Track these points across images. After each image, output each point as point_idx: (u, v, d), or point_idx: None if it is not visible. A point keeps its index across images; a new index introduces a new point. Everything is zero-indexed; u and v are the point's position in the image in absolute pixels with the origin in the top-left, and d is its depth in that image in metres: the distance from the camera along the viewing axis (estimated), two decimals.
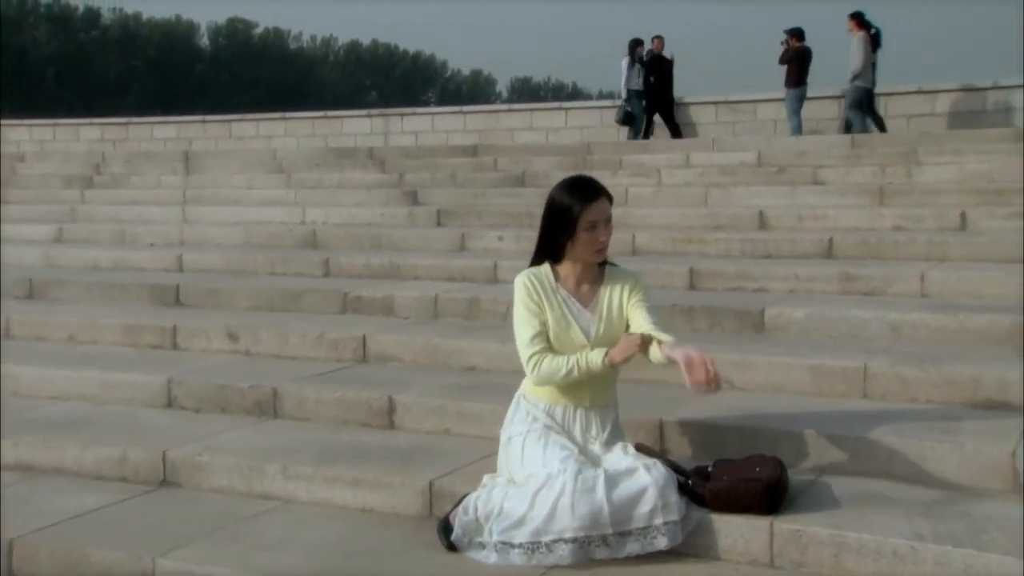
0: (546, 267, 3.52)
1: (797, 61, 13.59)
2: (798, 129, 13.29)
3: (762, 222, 7.27)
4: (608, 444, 3.49)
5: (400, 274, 6.72)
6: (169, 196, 10.01)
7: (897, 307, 5.06)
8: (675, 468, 3.40)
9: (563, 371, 3.39)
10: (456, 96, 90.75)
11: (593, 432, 3.51)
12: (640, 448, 3.51)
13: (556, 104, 18.56)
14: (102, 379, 5.08)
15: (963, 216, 6.72)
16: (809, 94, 13.82)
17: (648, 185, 8.84)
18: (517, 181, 9.45)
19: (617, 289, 3.52)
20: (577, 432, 3.49)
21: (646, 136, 14.55)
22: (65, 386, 5.11)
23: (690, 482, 3.37)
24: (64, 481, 4.17)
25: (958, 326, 4.73)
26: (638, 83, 14.60)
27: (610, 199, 3.47)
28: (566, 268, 3.51)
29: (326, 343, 5.37)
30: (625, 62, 14.68)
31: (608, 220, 3.44)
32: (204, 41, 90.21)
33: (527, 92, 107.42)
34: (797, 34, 13.80)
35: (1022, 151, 7.88)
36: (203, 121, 19.65)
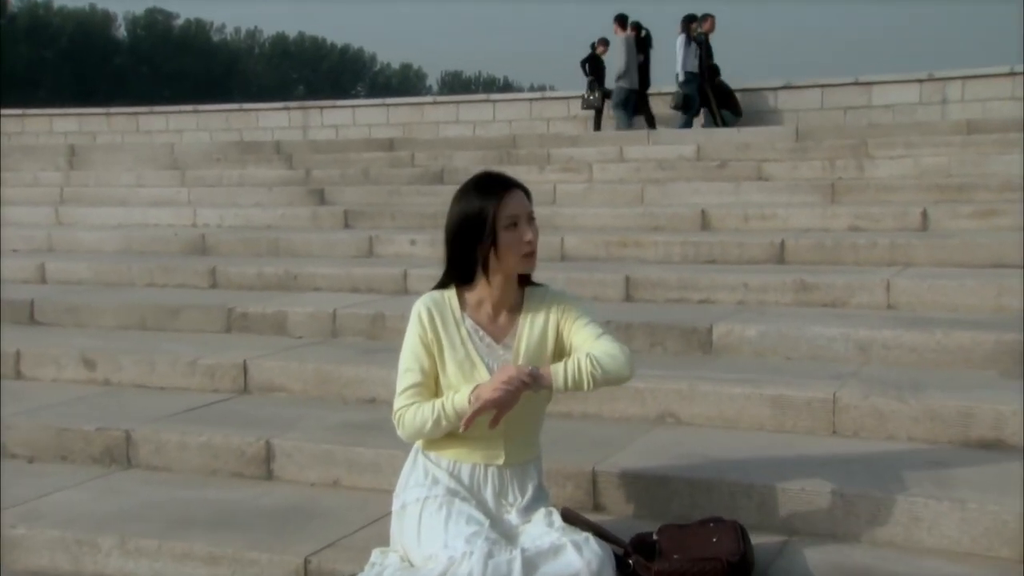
0: (452, 292, 2.76)
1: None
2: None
3: (705, 222, 6.64)
4: (528, 511, 2.76)
5: (297, 285, 5.89)
6: (44, 195, 9.00)
7: (864, 322, 4.42)
8: (611, 539, 2.71)
9: (429, 423, 2.68)
10: (386, 90, 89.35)
11: (510, 497, 2.78)
12: (568, 517, 2.77)
13: (483, 96, 17.82)
14: None
15: (924, 215, 6.14)
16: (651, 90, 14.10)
17: (578, 181, 8.15)
18: (435, 178, 8.67)
19: (540, 316, 2.78)
20: (489, 497, 2.76)
21: (721, 120, 13.40)
22: None
23: (631, 562, 2.70)
24: None
25: (936, 345, 4.10)
26: (695, 64, 13.33)
27: (527, 194, 2.73)
28: (479, 292, 2.76)
29: (200, 371, 4.55)
30: (680, 40, 13.34)
31: (531, 218, 2.70)
32: (122, 32, 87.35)
33: (458, 86, 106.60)
34: None
35: (976, 144, 7.36)
36: (107, 114, 18.44)
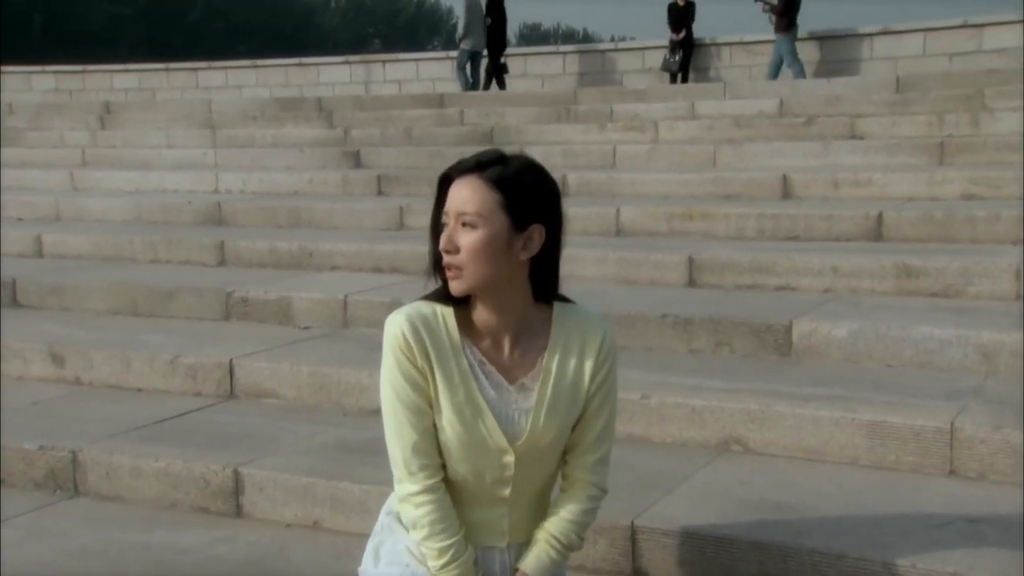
0: (447, 308, 1.94)
1: (785, 4, 12.67)
2: (801, 73, 12.21)
3: (786, 190, 5.75)
4: None
5: (312, 263, 5.18)
6: (66, 156, 8.44)
7: (987, 320, 3.54)
8: None
9: (427, 550, 1.95)
10: None
11: None
12: None
13: (552, 48, 16.91)
14: None
15: None
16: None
17: (642, 142, 7.30)
18: (484, 137, 7.85)
19: (574, 351, 1.97)
20: None
21: None
22: None
23: None
24: None
25: None
26: None
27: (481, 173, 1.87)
28: (479, 311, 1.94)
29: (181, 371, 3.89)
30: None
31: (466, 219, 1.83)
32: None
33: (536, 39, 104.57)
34: None
35: None
36: (167, 69, 18.02)
